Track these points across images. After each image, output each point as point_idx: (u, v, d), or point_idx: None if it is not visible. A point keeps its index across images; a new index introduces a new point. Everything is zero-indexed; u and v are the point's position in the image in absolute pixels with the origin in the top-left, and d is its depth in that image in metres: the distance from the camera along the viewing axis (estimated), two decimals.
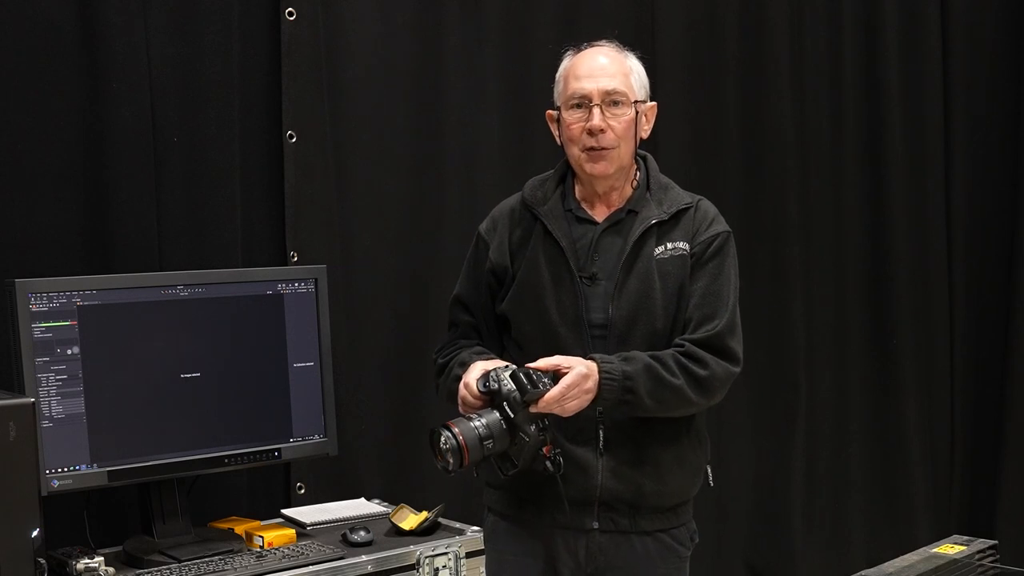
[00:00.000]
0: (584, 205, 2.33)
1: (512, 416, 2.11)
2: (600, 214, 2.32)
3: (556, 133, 2.34)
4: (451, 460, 2.09)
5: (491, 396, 2.13)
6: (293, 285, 2.72)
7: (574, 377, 2.11)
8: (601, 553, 2.28)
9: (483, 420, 2.11)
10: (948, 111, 4.36)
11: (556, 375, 2.14)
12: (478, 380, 2.16)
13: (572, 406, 2.13)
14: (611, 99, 2.25)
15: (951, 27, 4.33)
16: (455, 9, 3.29)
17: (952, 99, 4.36)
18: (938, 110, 4.34)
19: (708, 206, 2.35)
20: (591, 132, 2.24)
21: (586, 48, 2.31)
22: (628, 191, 2.33)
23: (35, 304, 2.40)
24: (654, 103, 2.34)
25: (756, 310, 3.92)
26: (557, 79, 2.33)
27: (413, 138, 3.24)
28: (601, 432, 2.24)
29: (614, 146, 2.25)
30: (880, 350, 4.27)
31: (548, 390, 2.11)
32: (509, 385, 2.11)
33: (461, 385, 2.20)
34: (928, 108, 4.32)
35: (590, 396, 2.14)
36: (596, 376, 2.14)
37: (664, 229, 2.28)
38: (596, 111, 2.24)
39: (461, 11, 3.30)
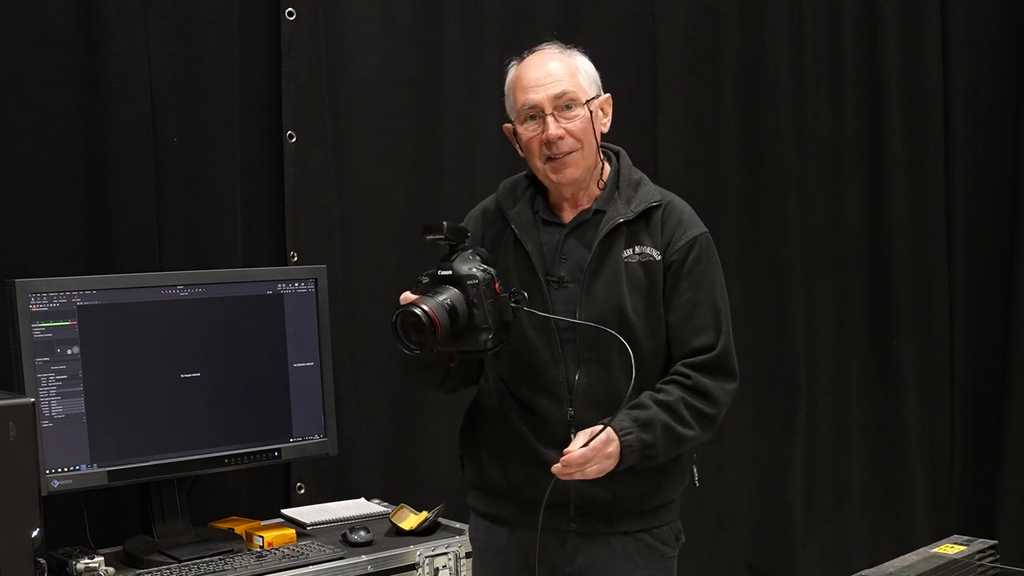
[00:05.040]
0: (553, 208, 2.30)
1: (451, 273, 2.09)
2: (568, 216, 2.28)
3: (517, 146, 2.29)
4: (423, 337, 2.05)
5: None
6: (293, 285, 2.72)
7: (600, 441, 2.10)
8: (579, 554, 2.28)
9: (437, 292, 2.10)
10: (948, 111, 4.35)
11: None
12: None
13: (592, 470, 2.12)
14: (562, 104, 2.21)
15: (951, 27, 4.33)
16: (455, 9, 3.29)
17: (952, 99, 4.36)
18: (938, 110, 4.33)
19: (680, 206, 2.29)
20: (549, 142, 2.20)
21: (528, 55, 2.27)
22: (595, 191, 2.29)
23: (35, 304, 2.40)
24: (607, 95, 2.28)
25: (756, 310, 3.92)
26: (506, 92, 2.29)
27: (413, 138, 3.24)
28: (572, 435, 2.19)
29: (575, 149, 2.22)
30: (880, 350, 4.27)
31: (485, 267, 2.13)
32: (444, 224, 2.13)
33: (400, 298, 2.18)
34: (928, 108, 4.31)
35: (612, 462, 2.13)
36: (617, 443, 2.13)
37: (633, 229, 2.24)
38: (550, 120, 2.20)
39: (461, 11, 3.30)
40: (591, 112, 2.22)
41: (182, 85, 2.81)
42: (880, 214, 4.25)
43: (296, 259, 2.98)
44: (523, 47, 3.41)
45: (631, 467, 2.18)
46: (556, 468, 2.10)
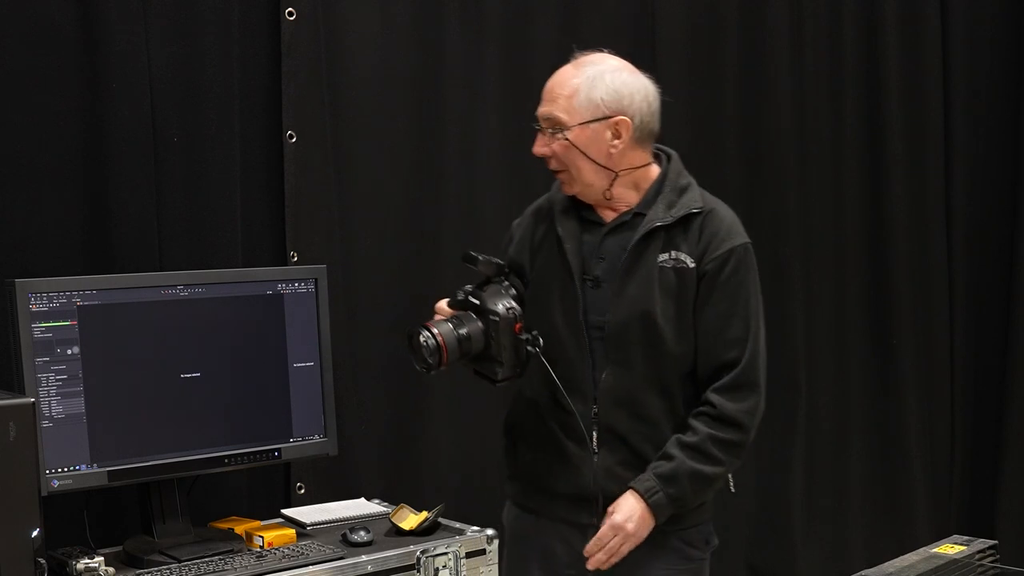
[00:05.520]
0: (596, 208, 2.34)
1: (479, 303, 2.18)
2: (609, 217, 2.32)
3: None
4: (429, 359, 2.16)
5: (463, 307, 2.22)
6: (293, 285, 2.72)
7: (604, 530, 2.23)
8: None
9: (459, 319, 2.20)
10: (948, 111, 4.36)
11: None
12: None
13: (626, 548, 2.23)
14: (548, 124, 2.26)
15: (951, 27, 4.33)
16: (455, 9, 3.29)
17: (952, 99, 4.36)
18: (938, 110, 4.33)
19: (721, 216, 2.29)
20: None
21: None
22: (633, 197, 2.31)
23: (35, 304, 2.40)
24: (619, 119, 2.25)
25: None
26: None
27: (413, 138, 3.24)
28: (595, 433, 2.26)
29: (561, 169, 2.28)
30: (880, 350, 4.27)
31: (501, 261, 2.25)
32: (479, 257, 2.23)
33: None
34: (928, 108, 4.32)
35: (642, 528, 2.22)
36: (639, 512, 2.22)
37: (671, 235, 2.26)
38: (538, 136, 2.28)
39: (461, 11, 3.30)
40: (569, 138, 2.23)
41: (182, 85, 2.81)
42: (880, 214, 4.25)
43: (296, 259, 2.98)
44: (523, 47, 3.44)
45: (644, 459, 2.28)
46: (590, 563, 2.25)
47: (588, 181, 2.27)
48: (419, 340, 2.17)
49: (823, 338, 4.14)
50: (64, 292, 2.43)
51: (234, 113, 2.88)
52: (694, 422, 2.24)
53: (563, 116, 2.24)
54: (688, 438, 2.23)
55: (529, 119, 3.36)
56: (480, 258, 2.24)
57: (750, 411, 2.25)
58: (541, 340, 2.22)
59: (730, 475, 2.37)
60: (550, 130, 2.26)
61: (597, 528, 2.29)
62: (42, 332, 2.40)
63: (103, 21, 2.68)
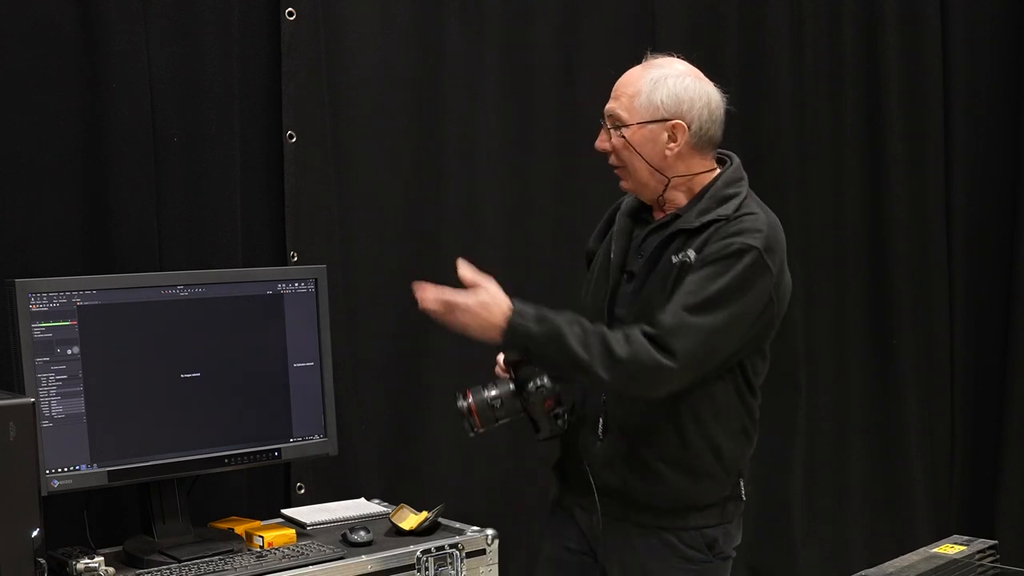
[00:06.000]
0: (653, 207, 2.40)
1: (515, 378, 2.30)
2: (658, 216, 2.37)
3: None
4: (465, 424, 2.31)
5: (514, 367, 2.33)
6: (293, 285, 2.72)
7: (485, 294, 2.22)
8: (604, 535, 2.37)
9: (496, 385, 2.32)
10: (948, 111, 4.36)
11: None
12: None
13: (457, 313, 2.22)
14: (610, 121, 2.33)
15: (951, 27, 4.33)
16: (455, 9, 3.29)
17: (952, 99, 4.36)
18: (938, 110, 4.33)
19: (747, 223, 2.25)
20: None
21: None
22: (683, 200, 2.33)
23: (35, 304, 2.40)
24: (676, 122, 2.27)
25: None
26: None
27: (413, 138, 3.24)
28: (602, 420, 2.33)
29: (618, 166, 2.34)
30: (880, 350, 4.27)
31: (545, 383, 2.28)
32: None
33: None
34: (928, 108, 4.32)
35: (485, 320, 2.21)
36: (504, 311, 2.21)
37: (692, 237, 2.27)
38: (601, 131, 2.34)
39: (461, 11, 3.30)
40: (625, 136, 2.28)
41: (182, 85, 2.81)
42: (880, 214, 4.25)
43: (296, 259, 2.98)
44: (523, 47, 3.44)
45: (646, 461, 2.29)
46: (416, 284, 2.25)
47: (643, 180, 2.32)
48: (456, 405, 2.33)
49: (823, 338, 4.14)
50: (64, 292, 2.43)
51: (234, 113, 2.88)
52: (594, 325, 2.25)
53: (624, 114, 2.30)
54: (587, 322, 2.23)
55: (529, 119, 3.39)
56: (511, 366, 2.33)
57: (652, 355, 2.15)
58: (567, 416, 2.32)
59: (742, 481, 2.36)
60: (611, 127, 2.32)
61: (602, 515, 2.34)
62: (42, 332, 2.40)
63: (103, 21, 2.68)
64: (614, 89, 2.34)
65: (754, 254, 2.22)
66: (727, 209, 2.26)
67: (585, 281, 2.49)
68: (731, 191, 2.30)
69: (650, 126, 2.28)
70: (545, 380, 2.29)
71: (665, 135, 2.28)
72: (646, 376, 2.18)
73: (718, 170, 2.34)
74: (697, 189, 2.32)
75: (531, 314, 2.21)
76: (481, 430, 2.33)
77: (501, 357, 2.40)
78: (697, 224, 2.25)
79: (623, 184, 2.36)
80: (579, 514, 2.43)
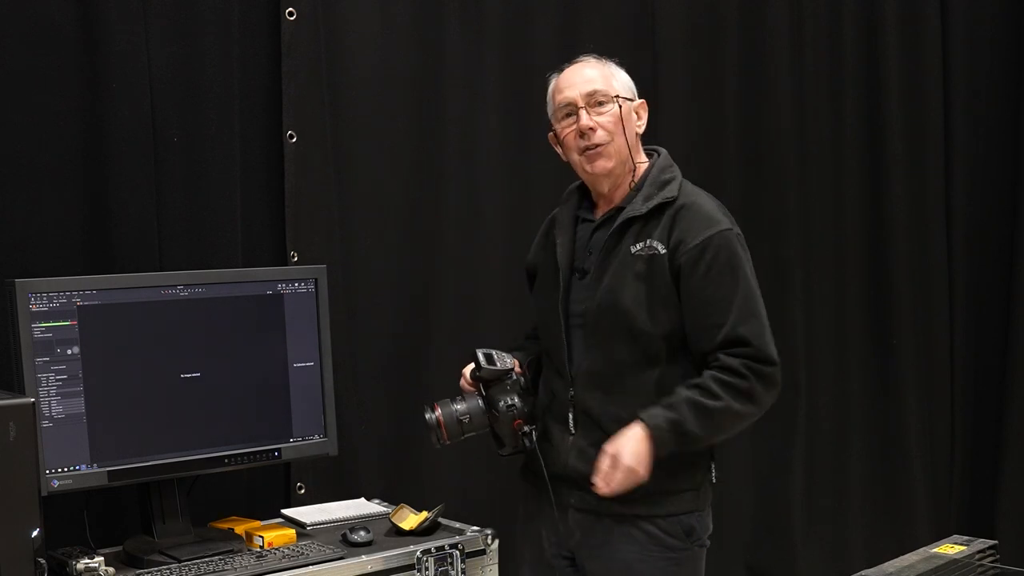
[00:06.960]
0: (593, 207, 2.46)
1: (484, 394, 2.39)
2: (598, 214, 2.43)
3: (559, 151, 2.47)
4: (432, 436, 2.38)
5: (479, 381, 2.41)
6: (293, 285, 2.72)
7: (623, 440, 2.25)
8: (577, 529, 2.40)
9: (464, 400, 2.41)
10: (948, 111, 4.35)
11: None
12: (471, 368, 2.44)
13: (620, 476, 2.24)
14: (594, 100, 2.38)
15: (951, 27, 4.33)
16: (455, 9, 3.29)
17: (952, 99, 4.35)
18: (938, 110, 4.33)
19: (698, 208, 2.36)
20: (582, 133, 2.37)
21: (567, 66, 2.46)
22: (625, 190, 2.41)
23: (35, 304, 2.40)
24: (642, 101, 2.44)
25: None
26: (547, 101, 2.48)
27: (413, 138, 3.24)
28: (571, 414, 2.38)
29: (606, 141, 2.37)
30: (880, 350, 4.27)
31: (506, 367, 2.37)
32: (482, 362, 2.39)
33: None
34: (928, 108, 4.31)
35: (643, 446, 2.23)
36: (635, 439, 2.24)
37: (645, 225, 2.35)
38: (583, 113, 2.37)
39: (461, 11, 3.30)
40: (620, 108, 2.37)
41: (182, 85, 2.81)
42: (880, 214, 4.25)
43: (296, 259, 2.98)
44: (523, 47, 3.44)
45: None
46: (598, 488, 2.27)
47: (623, 158, 2.39)
48: (424, 417, 2.40)
49: (823, 338, 4.14)
50: (64, 292, 2.43)
51: (234, 113, 2.88)
52: (699, 379, 2.30)
53: (609, 89, 2.38)
54: (692, 380, 2.30)
55: (529, 119, 3.38)
56: (484, 366, 2.39)
57: (756, 370, 2.26)
58: (534, 435, 2.38)
59: (712, 465, 2.40)
60: (597, 104, 2.37)
61: (576, 508, 2.38)
62: (42, 332, 2.41)
63: (103, 21, 2.68)
64: (577, 80, 2.40)
65: (728, 233, 2.35)
66: (670, 192, 2.36)
67: (532, 294, 2.57)
68: (667, 176, 2.41)
69: (629, 103, 2.40)
70: (515, 400, 2.36)
71: (635, 114, 2.42)
72: (766, 393, 2.29)
73: (648, 162, 2.45)
74: (636, 179, 2.40)
75: (660, 414, 2.25)
76: (448, 442, 2.40)
77: (467, 370, 2.46)
78: (645, 210, 2.33)
79: (602, 164, 2.38)
80: (552, 518, 2.42)
